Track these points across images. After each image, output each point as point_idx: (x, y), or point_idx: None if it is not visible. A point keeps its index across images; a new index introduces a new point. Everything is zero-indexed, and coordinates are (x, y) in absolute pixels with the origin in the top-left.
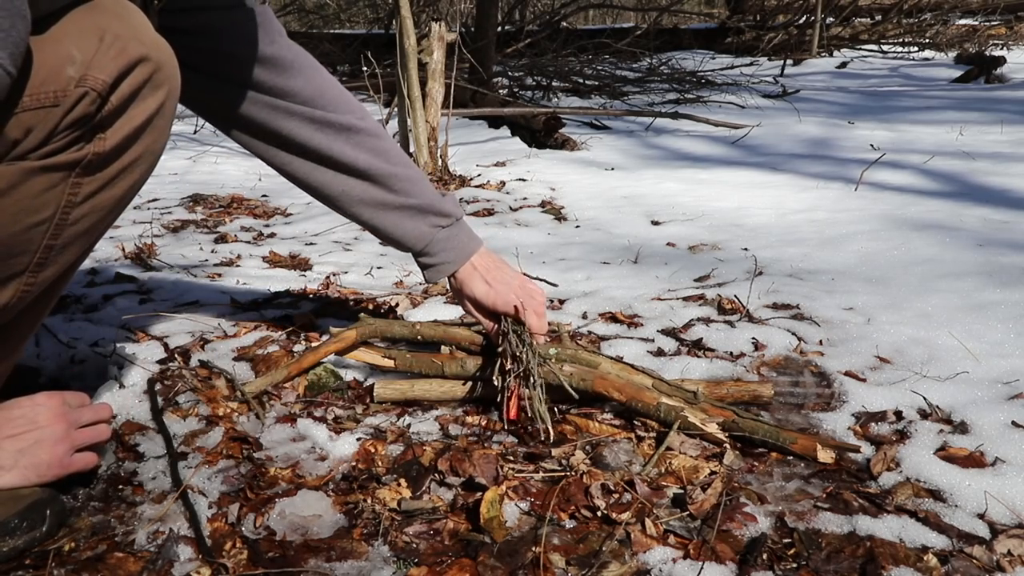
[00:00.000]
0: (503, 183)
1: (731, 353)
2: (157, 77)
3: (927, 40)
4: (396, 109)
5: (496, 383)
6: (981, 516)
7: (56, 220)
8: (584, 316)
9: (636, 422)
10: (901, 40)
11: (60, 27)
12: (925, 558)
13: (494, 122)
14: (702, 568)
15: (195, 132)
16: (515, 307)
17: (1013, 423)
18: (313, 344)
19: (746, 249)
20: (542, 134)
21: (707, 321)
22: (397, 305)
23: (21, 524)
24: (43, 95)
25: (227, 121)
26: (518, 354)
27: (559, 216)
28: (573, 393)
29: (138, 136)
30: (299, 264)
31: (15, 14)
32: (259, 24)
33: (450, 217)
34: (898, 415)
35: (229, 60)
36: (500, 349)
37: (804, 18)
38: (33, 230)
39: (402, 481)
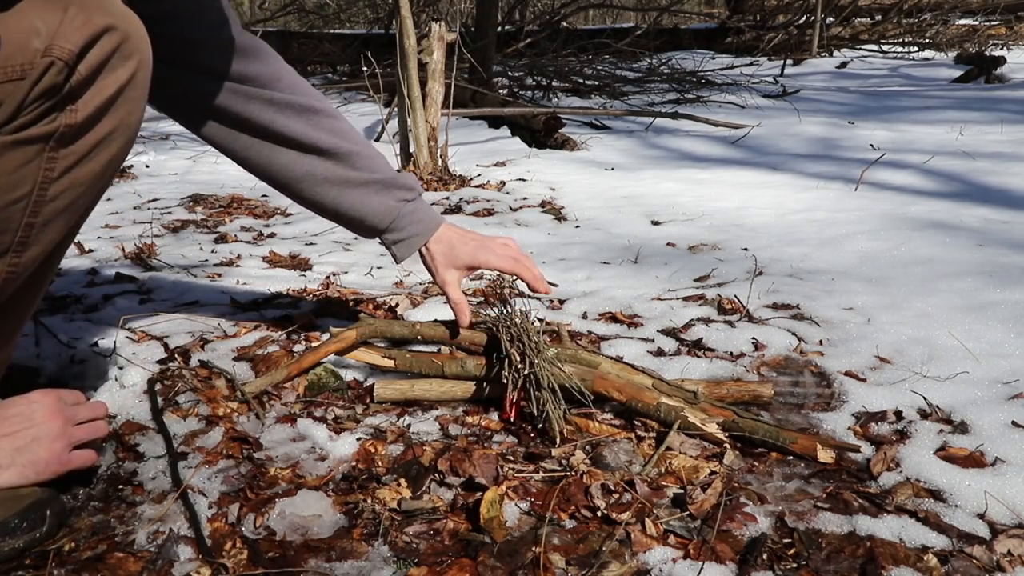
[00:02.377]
0: (503, 183)
1: (731, 353)
2: (126, 47)
3: (927, 40)
4: (396, 109)
5: (505, 381)
6: (981, 516)
7: (34, 197)
8: (584, 316)
9: (636, 422)
10: (901, 40)
11: (24, 2)
12: (925, 558)
13: (494, 122)
14: (702, 568)
15: None
16: (512, 262)
17: (1013, 423)
18: (313, 344)
19: (746, 249)
20: (542, 134)
21: (707, 321)
22: (397, 305)
23: (21, 524)
24: (10, 69)
25: (189, 110)
26: (524, 355)
27: (559, 216)
28: (585, 397)
29: (110, 107)
30: (299, 264)
31: None
32: (217, 10)
33: (414, 191)
34: (898, 415)
35: (190, 47)
36: (505, 349)
37: (804, 18)
38: (11, 208)
39: (402, 481)
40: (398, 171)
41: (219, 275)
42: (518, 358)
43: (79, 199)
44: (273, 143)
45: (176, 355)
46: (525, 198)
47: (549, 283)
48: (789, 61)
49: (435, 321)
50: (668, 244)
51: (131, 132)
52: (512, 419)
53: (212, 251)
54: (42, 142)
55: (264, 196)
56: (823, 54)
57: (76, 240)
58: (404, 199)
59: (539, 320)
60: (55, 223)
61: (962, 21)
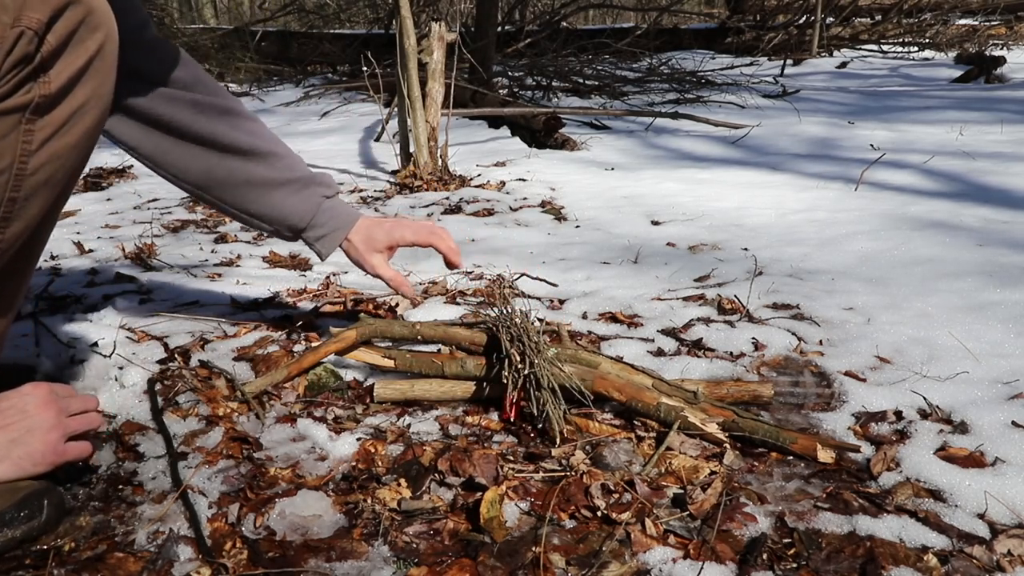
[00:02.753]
0: (503, 183)
1: (731, 353)
2: (91, 19)
3: (927, 40)
4: (396, 109)
5: (505, 382)
6: (981, 516)
7: (15, 170)
8: (584, 316)
9: (636, 422)
10: (901, 40)
11: None
12: (925, 558)
13: (494, 122)
14: (702, 568)
15: None
16: (431, 235)
17: (1013, 423)
18: (313, 344)
19: (746, 249)
20: (542, 134)
21: (707, 321)
22: (397, 305)
23: (18, 515)
24: None
25: (112, 115)
26: (524, 355)
27: (559, 216)
28: (585, 397)
29: (81, 78)
30: (299, 264)
31: None
32: (137, 13)
33: (331, 188)
34: (898, 415)
35: None
36: (505, 349)
37: (804, 18)
38: None
39: (402, 481)
40: (394, 172)
41: (219, 275)
42: (518, 358)
43: (59, 172)
44: (195, 145)
45: (176, 355)
46: (525, 198)
47: (549, 283)
48: (789, 61)
49: (435, 321)
50: (668, 244)
51: (104, 104)
52: (512, 419)
53: (212, 251)
54: (19, 112)
55: None
56: (823, 54)
57: (76, 240)
58: (324, 195)
59: (539, 320)
60: (37, 197)
61: (962, 21)
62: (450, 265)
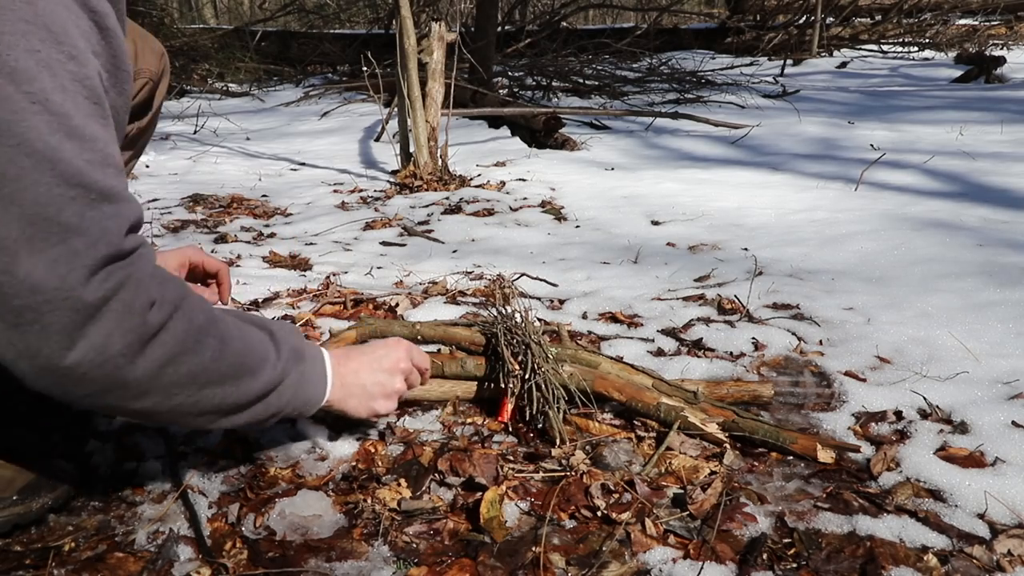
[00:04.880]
0: (503, 183)
1: (731, 353)
2: (167, 64)
3: (927, 40)
4: (396, 109)
5: (503, 385)
6: (981, 516)
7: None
8: (584, 316)
9: (636, 422)
10: (901, 40)
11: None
12: (925, 558)
13: (494, 122)
14: (702, 568)
15: (195, 132)
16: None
17: (1013, 423)
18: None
19: (746, 249)
20: (542, 134)
21: (707, 321)
22: (397, 305)
23: (47, 481)
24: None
25: None
26: (525, 364)
27: (559, 216)
28: (585, 398)
29: (156, 119)
30: (299, 264)
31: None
32: None
33: None
34: (898, 415)
35: None
36: (502, 355)
37: (804, 18)
38: None
39: (402, 481)
40: (394, 172)
41: None
42: (517, 367)
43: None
44: None
45: None
46: (525, 198)
47: (549, 283)
48: (789, 61)
49: (435, 321)
50: (668, 244)
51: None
52: (507, 422)
53: (212, 251)
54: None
55: (264, 196)
56: (823, 54)
57: None
58: None
59: (539, 320)
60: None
61: (962, 21)
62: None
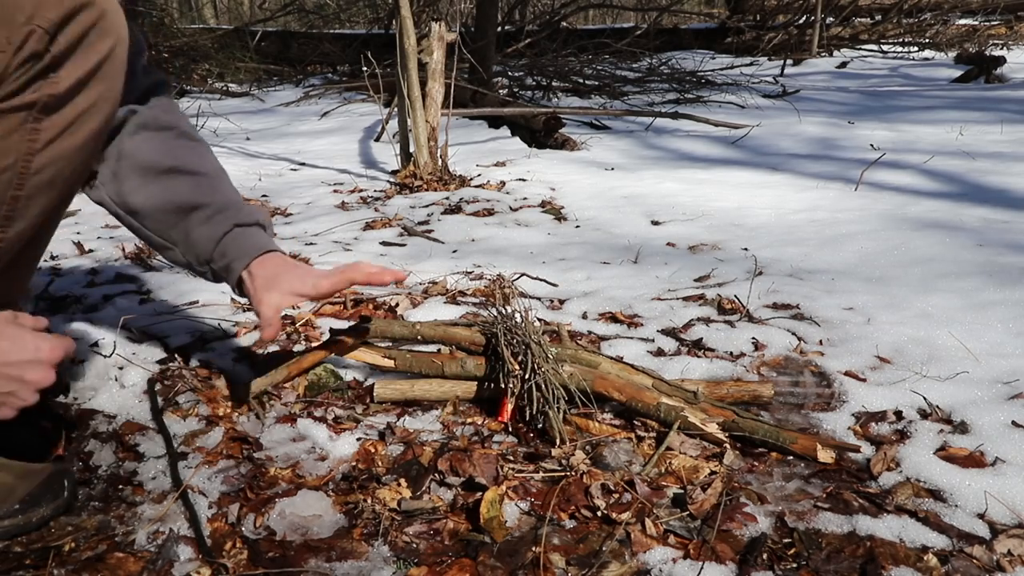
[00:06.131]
0: (503, 183)
1: (731, 353)
2: (103, 24)
3: (927, 40)
4: (396, 109)
5: (503, 385)
6: (981, 516)
7: (19, 168)
8: (584, 316)
9: (636, 422)
10: (901, 40)
11: None
12: (925, 558)
13: (494, 122)
14: (702, 568)
15: None
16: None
17: (1013, 423)
18: (313, 344)
19: (746, 249)
20: (542, 134)
21: (707, 321)
22: (397, 305)
23: (46, 494)
24: None
25: None
26: (525, 364)
27: (559, 216)
28: (585, 399)
29: (90, 80)
30: None
31: None
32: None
33: (250, 216)
34: (898, 415)
35: None
36: (502, 355)
37: (804, 18)
38: None
39: (402, 481)
40: (394, 172)
41: None
42: (518, 367)
43: (63, 173)
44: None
45: (176, 355)
46: (525, 198)
47: (549, 283)
48: (789, 61)
49: (435, 321)
50: (668, 244)
51: (111, 107)
52: (507, 422)
53: None
54: (25, 110)
55: (264, 196)
56: (823, 54)
57: (76, 240)
58: (235, 223)
59: (539, 320)
60: (40, 197)
61: (962, 21)
62: (381, 284)
